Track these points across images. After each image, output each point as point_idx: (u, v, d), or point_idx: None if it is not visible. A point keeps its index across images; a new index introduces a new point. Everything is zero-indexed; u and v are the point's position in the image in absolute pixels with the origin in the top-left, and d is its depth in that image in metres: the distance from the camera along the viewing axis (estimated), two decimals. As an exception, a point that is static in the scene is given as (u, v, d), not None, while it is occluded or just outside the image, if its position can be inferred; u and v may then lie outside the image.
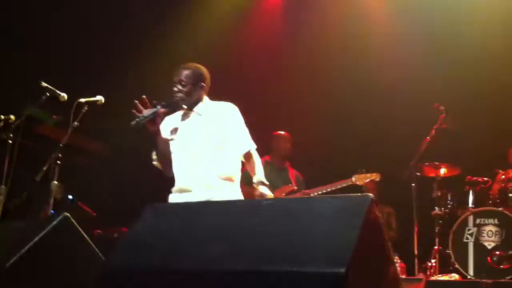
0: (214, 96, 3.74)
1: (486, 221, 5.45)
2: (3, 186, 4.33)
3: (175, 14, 7.16)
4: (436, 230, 5.66)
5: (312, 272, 1.73)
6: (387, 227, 6.28)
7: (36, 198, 4.85)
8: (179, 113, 3.69)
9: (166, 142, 3.59)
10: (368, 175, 5.39)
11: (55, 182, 3.88)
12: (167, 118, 3.65)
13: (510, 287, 5.19)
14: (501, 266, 5.19)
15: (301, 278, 1.74)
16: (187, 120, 3.63)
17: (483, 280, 4.87)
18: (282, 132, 5.84)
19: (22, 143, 4.44)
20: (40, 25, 6.71)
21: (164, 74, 4.05)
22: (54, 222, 2.32)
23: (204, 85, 3.65)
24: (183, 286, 1.94)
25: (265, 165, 5.48)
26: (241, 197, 3.60)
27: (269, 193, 3.53)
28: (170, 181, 3.61)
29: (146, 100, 3.44)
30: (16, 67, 6.69)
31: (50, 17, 6.74)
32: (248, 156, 3.66)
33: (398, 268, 5.07)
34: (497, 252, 5.26)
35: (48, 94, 4.15)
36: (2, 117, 4.60)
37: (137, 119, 3.35)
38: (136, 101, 3.40)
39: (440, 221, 5.72)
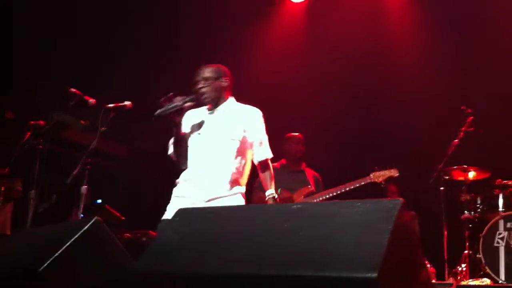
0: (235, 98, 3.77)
1: (517, 225, 5.36)
2: (33, 191, 4.41)
3: (190, 15, 7.20)
4: (466, 235, 5.57)
5: (343, 277, 1.71)
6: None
7: (65, 203, 4.91)
8: (202, 109, 3.73)
9: (184, 135, 3.63)
10: (387, 171, 5.31)
11: (85, 186, 3.93)
12: (189, 113, 3.68)
13: (543, 292, 5.09)
14: (533, 271, 5.09)
15: (332, 283, 1.72)
16: (209, 117, 3.67)
17: (515, 285, 4.79)
18: (294, 134, 5.81)
19: (51, 148, 4.51)
20: (66, 33, 6.81)
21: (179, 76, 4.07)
22: (86, 226, 2.35)
23: (227, 82, 3.68)
24: (212, 290, 1.94)
25: (282, 168, 5.51)
26: (243, 203, 3.59)
27: None
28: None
29: (174, 95, 3.48)
30: (43, 73, 6.80)
31: (76, 25, 6.83)
32: (264, 164, 3.71)
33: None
34: (529, 256, 5.16)
35: (76, 99, 4.20)
36: (32, 123, 4.68)
37: (163, 109, 3.39)
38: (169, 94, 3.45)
39: (470, 225, 5.63)
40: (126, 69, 7.10)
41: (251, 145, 3.64)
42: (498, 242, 5.34)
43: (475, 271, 5.41)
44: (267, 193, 3.68)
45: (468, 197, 5.74)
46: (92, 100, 4.22)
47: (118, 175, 8.25)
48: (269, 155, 3.72)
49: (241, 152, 3.58)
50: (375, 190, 5.36)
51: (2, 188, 5.17)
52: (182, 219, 2.34)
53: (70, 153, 6.39)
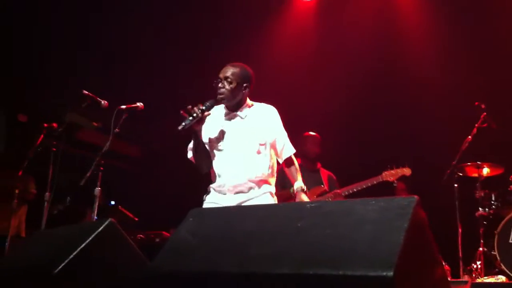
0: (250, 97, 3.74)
1: (533, 221, 5.29)
2: (47, 194, 4.44)
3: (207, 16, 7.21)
4: (481, 231, 5.53)
5: (359, 275, 1.70)
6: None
7: (79, 204, 4.94)
8: (222, 112, 3.65)
9: (204, 142, 3.59)
10: (399, 170, 5.28)
11: (98, 188, 3.95)
12: (209, 117, 3.60)
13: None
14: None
15: (347, 281, 1.71)
16: (230, 122, 3.60)
17: (531, 282, 4.74)
18: (313, 133, 5.75)
19: (65, 150, 4.54)
20: (79, 36, 6.85)
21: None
22: (101, 228, 2.35)
23: (249, 86, 3.60)
24: (227, 289, 1.94)
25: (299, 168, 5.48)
26: (276, 200, 3.59)
27: (308, 200, 3.53)
28: (208, 183, 3.63)
29: (191, 107, 3.43)
30: (56, 76, 6.84)
31: (88, 28, 6.86)
32: (289, 161, 3.71)
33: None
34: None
35: (89, 101, 4.23)
36: (45, 125, 4.72)
37: (184, 123, 3.35)
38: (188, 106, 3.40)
39: (485, 222, 5.59)
40: (139, 69, 7.13)
41: (275, 144, 3.63)
42: (513, 239, 5.29)
43: (490, 268, 5.37)
44: (295, 185, 3.65)
45: (482, 194, 5.69)
46: (104, 102, 4.25)
47: (132, 176, 8.28)
48: (293, 150, 3.70)
49: (265, 152, 3.56)
50: (382, 189, 5.33)
51: (16, 191, 5.21)
52: (196, 219, 2.34)
53: (83, 154, 6.43)
